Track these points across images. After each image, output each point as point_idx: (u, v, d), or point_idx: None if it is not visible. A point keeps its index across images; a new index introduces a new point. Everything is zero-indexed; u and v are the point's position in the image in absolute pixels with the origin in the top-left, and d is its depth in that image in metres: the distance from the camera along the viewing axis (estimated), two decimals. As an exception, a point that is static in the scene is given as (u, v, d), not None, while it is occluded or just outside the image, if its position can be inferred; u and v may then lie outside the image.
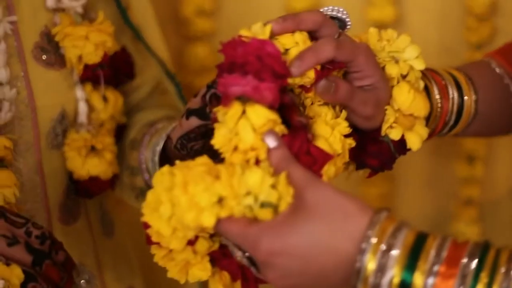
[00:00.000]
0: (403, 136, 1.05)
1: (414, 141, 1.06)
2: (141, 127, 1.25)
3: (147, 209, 0.89)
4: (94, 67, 1.18)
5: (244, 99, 0.88)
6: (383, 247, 0.81)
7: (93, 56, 1.17)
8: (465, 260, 0.80)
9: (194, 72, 1.83)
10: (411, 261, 0.80)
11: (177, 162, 0.89)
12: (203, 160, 0.89)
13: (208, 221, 0.84)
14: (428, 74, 1.10)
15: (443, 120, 1.11)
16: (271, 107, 0.89)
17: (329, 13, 1.01)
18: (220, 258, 0.95)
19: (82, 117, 1.20)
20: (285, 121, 0.92)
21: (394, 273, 0.80)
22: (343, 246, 0.82)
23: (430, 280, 0.80)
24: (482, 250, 0.81)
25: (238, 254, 0.88)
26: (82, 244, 1.27)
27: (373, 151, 1.06)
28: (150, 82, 1.31)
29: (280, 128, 0.89)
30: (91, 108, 1.20)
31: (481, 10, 1.69)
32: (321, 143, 0.94)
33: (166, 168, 0.88)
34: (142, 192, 1.23)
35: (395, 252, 0.81)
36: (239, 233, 0.84)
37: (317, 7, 1.68)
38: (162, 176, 0.88)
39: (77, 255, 1.19)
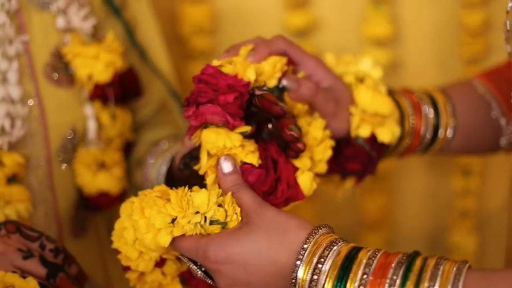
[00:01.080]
0: (375, 135, 1.10)
1: (384, 134, 1.11)
2: (146, 146, 1.28)
3: (115, 236, 0.97)
4: (104, 85, 1.20)
5: (204, 125, 0.97)
6: (315, 259, 0.87)
7: (103, 75, 1.19)
8: (392, 269, 0.84)
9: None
10: (342, 273, 0.86)
11: (139, 192, 0.96)
12: (160, 187, 0.96)
13: (164, 240, 0.91)
14: (401, 92, 1.16)
15: (417, 135, 1.16)
16: (232, 126, 0.96)
17: None
18: (189, 278, 1.00)
19: (92, 134, 1.22)
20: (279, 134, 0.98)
21: (325, 285, 0.86)
22: (281, 257, 0.88)
23: None
24: (410, 258, 0.85)
25: (194, 268, 0.94)
26: (91, 256, 1.29)
27: (349, 154, 1.10)
28: (155, 100, 1.34)
29: (249, 152, 0.96)
30: (100, 126, 1.23)
31: (474, 27, 1.71)
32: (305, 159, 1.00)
33: (130, 198, 0.96)
34: None
35: (326, 265, 0.86)
36: (191, 246, 0.91)
37: (314, 24, 1.70)
38: (125, 205, 0.96)
39: (87, 267, 1.20)
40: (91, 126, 1.22)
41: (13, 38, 1.13)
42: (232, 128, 0.96)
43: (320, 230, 0.89)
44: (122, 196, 1.27)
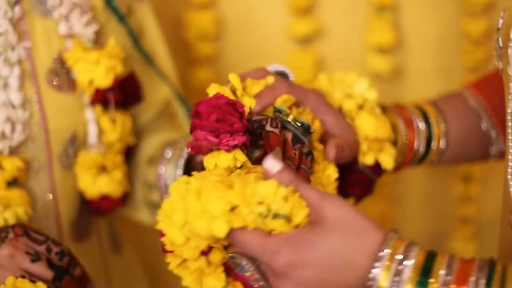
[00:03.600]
0: (379, 162, 1.11)
1: (387, 161, 1.11)
2: (160, 145, 1.27)
3: (161, 216, 0.89)
4: (104, 90, 1.19)
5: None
6: (396, 264, 0.82)
7: (104, 80, 1.18)
8: (473, 278, 0.81)
9: (197, 96, 1.83)
10: (422, 279, 0.82)
11: (194, 172, 0.90)
12: (219, 171, 0.90)
13: (220, 230, 0.83)
14: (393, 109, 1.16)
15: (411, 149, 1.15)
16: (225, 145, 0.93)
17: (273, 69, 1.08)
18: (233, 268, 0.93)
19: (93, 138, 1.21)
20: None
21: None
22: (359, 260, 0.83)
23: None
24: (489, 266, 0.82)
25: (247, 267, 0.89)
26: (93, 260, 1.29)
27: (353, 180, 1.11)
28: (158, 105, 1.34)
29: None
30: (101, 130, 1.22)
31: (477, 35, 1.71)
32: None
33: (183, 177, 0.89)
34: (157, 207, 1.23)
35: (407, 269, 0.82)
36: (256, 244, 0.85)
37: (319, 32, 1.70)
38: (177, 185, 0.88)
39: (88, 270, 1.20)
40: (92, 130, 1.21)
41: (15, 44, 1.14)
42: (226, 147, 0.93)
43: (394, 234, 0.85)
44: (124, 199, 1.27)
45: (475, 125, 1.20)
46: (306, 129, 0.99)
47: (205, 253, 0.92)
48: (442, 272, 0.82)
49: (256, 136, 0.96)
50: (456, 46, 1.74)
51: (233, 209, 0.84)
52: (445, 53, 1.73)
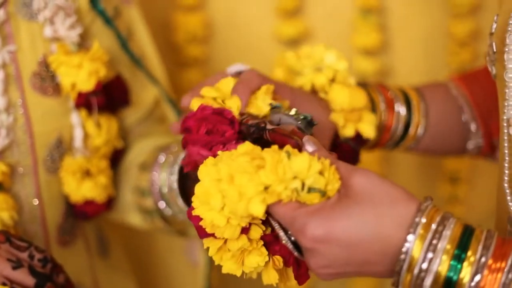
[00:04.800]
0: (360, 132, 1.09)
1: (368, 130, 1.09)
2: (152, 151, 1.25)
3: (197, 202, 0.88)
4: (87, 94, 1.18)
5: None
6: (430, 235, 0.79)
7: (86, 84, 1.16)
8: None
9: (186, 98, 1.83)
10: (459, 251, 0.78)
11: (220, 153, 0.89)
12: (246, 148, 0.87)
13: (257, 210, 0.83)
14: (376, 87, 1.14)
15: (388, 130, 1.14)
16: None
17: (234, 70, 1.08)
18: (272, 242, 0.91)
19: (78, 142, 1.20)
20: None
21: (441, 263, 0.78)
22: (390, 232, 0.79)
23: (479, 271, 0.78)
24: None
25: (284, 238, 0.87)
26: (80, 264, 1.27)
27: (338, 154, 1.07)
28: (146, 106, 1.31)
29: None
30: (86, 134, 1.20)
31: (462, 36, 1.71)
32: None
33: (210, 160, 0.88)
34: (150, 213, 1.22)
35: (443, 241, 0.79)
36: (287, 215, 0.83)
37: (306, 34, 1.70)
38: (207, 169, 0.87)
39: (75, 275, 1.19)
40: (78, 134, 1.20)
41: None
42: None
43: (428, 203, 0.80)
44: (109, 204, 1.25)
45: (455, 116, 1.18)
46: (309, 121, 0.96)
47: (244, 230, 0.89)
48: (480, 246, 0.78)
49: (252, 140, 0.93)
50: (442, 48, 1.73)
51: (267, 187, 0.83)
52: (431, 55, 1.73)
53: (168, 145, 1.23)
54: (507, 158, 0.93)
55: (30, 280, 0.99)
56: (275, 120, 0.96)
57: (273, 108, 0.98)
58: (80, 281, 1.25)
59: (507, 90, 0.90)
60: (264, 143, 0.91)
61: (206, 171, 0.87)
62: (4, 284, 0.98)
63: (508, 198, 0.93)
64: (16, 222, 1.13)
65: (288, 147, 0.86)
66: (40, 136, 1.16)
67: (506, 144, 0.93)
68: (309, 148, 0.87)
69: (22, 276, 0.99)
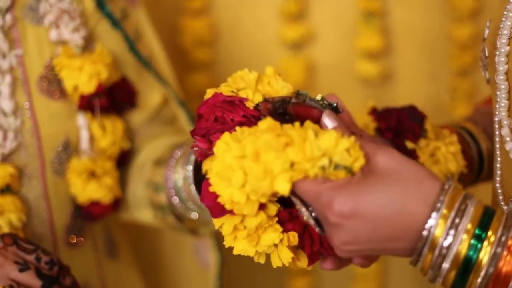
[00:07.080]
0: None
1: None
2: (168, 147, 1.23)
3: (215, 178, 0.84)
4: (89, 97, 1.16)
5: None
6: (453, 213, 0.78)
7: (87, 86, 1.15)
8: None
9: (193, 101, 1.82)
10: (480, 231, 0.77)
11: (238, 128, 0.85)
12: (268, 124, 0.84)
13: (283, 188, 0.80)
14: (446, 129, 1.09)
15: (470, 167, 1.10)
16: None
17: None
18: (286, 220, 0.89)
19: (84, 144, 1.19)
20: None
21: (462, 241, 0.77)
22: (414, 210, 0.78)
23: (498, 251, 0.77)
24: None
25: (305, 214, 0.84)
26: (87, 265, 1.26)
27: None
28: (153, 109, 1.30)
29: None
30: (92, 136, 1.20)
31: (463, 40, 1.71)
32: None
33: (227, 136, 0.84)
34: (162, 209, 1.21)
35: (465, 219, 0.78)
36: (311, 191, 0.81)
37: (309, 38, 1.70)
38: (227, 145, 0.83)
39: (83, 276, 1.18)
40: (84, 136, 1.19)
41: (6, 52, 1.11)
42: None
43: (451, 183, 0.79)
44: (115, 205, 1.23)
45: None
46: (334, 108, 0.91)
47: (262, 207, 0.87)
48: (501, 226, 0.77)
49: (278, 117, 0.89)
50: (444, 51, 1.74)
51: (293, 164, 0.81)
52: (433, 58, 1.73)
53: (183, 142, 1.21)
54: (499, 158, 0.93)
55: (37, 282, 0.98)
56: (300, 101, 0.93)
57: (298, 94, 0.95)
58: (88, 282, 1.24)
59: (498, 92, 0.90)
60: (283, 121, 0.87)
61: (225, 147, 0.83)
62: (11, 286, 0.97)
63: (500, 198, 0.93)
64: (24, 224, 1.12)
65: (310, 123, 0.83)
66: (47, 138, 1.15)
67: (497, 145, 0.93)
68: (329, 123, 0.85)
69: (29, 278, 0.98)
